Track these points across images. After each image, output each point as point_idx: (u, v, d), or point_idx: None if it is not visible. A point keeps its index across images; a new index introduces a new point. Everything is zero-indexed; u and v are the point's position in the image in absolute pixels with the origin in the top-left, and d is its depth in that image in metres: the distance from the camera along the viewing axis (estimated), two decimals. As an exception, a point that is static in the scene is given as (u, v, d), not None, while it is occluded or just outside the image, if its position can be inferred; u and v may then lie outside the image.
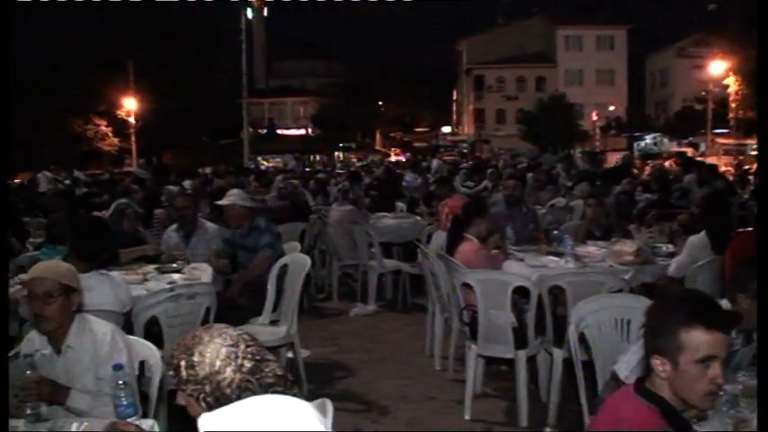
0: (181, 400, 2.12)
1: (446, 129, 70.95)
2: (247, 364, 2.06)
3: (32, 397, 2.93)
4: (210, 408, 2.00)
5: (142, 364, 3.52)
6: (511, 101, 62.02)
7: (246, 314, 5.76)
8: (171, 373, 2.11)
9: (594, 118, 54.45)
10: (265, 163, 43.69)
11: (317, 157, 48.82)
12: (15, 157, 41.08)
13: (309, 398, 5.50)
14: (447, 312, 6.11)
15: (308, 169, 35.15)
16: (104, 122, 42.92)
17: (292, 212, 10.03)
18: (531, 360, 5.30)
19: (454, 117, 74.78)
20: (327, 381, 6.19)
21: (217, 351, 2.07)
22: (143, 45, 41.56)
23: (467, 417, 5.26)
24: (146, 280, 5.46)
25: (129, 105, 40.41)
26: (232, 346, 2.09)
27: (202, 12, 46.65)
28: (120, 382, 2.82)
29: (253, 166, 33.98)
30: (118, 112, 41.23)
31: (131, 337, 3.55)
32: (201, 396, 2.04)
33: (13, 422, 2.89)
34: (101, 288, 4.37)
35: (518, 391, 5.15)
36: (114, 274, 4.74)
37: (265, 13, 66.55)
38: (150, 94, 40.31)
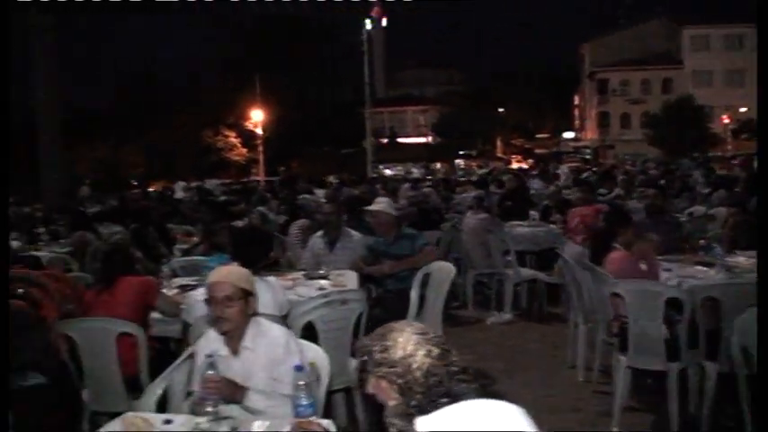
0: (370, 387, 2.25)
1: (568, 134, 69.58)
2: (436, 351, 2.17)
3: (213, 395, 3.08)
4: (402, 390, 2.14)
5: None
6: (636, 104, 60.32)
7: (388, 320, 5.85)
8: (364, 358, 2.25)
9: (726, 121, 52.13)
10: (387, 171, 44.12)
11: (438, 165, 48.86)
12: (156, 167, 43.72)
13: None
14: (590, 323, 6.04)
15: (428, 177, 35.28)
16: (233, 134, 44.76)
17: (420, 220, 10.10)
18: (680, 373, 5.16)
19: (576, 122, 73.30)
20: (470, 389, 6.20)
21: (408, 337, 2.20)
22: (270, 59, 43.01)
23: (615, 429, 5.17)
24: (295, 285, 5.67)
25: (257, 117, 41.87)
26: (422, 334, 2.22)
27: (325, 26, 47.88)
28: (301, 383, 2.93)
29: (375, 175, 34.49)
30: (246, 124, 42.91)
31: (301, 340, 3.70)
32: (393, 378, 2.16)
33: (195, 419, 3.04)
34: (261, 293, 4.58)
35: (669, 405, 5.02)
36: (271, 279, 4.95)
37: (384, 24, 67.32)
38: (276, 107, 41.66)
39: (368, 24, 44.34)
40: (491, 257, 8.84)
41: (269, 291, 4.67)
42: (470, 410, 1.84)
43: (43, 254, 9.94)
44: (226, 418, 3.10)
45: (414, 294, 5.90)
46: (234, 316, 3.35)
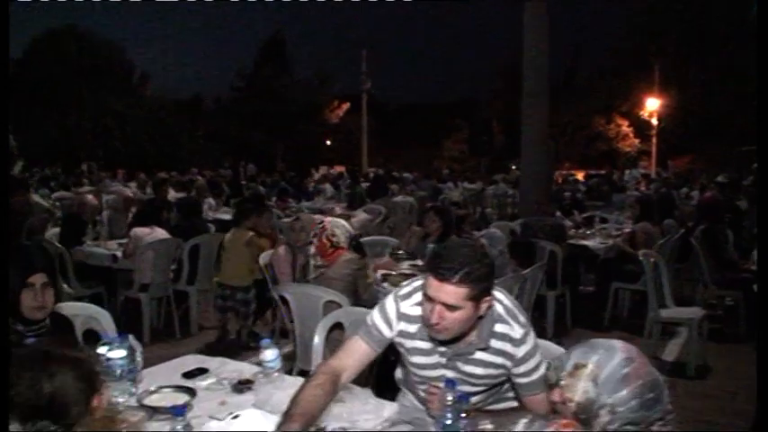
0: None
1: None
2: None
3: None
4: None
5: None
6: None
7: None
8: None
9: None
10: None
11: None
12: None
13: None
14: None
15: None
16: (626, 122, 42.63)
17: None
18: None
19: None
20: None
21: None
22: (674, 46, 40.04)
23: None
24: None
25: (652, 106, 39.18)
26: None
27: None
28: None
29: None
30: (640, 113, 40.47)
31: None
32: None
33: None
34: None
35: None
36: None
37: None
38: (676, 96, 38.67)
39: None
40: None
41: None
42: None
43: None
44: None
45: None
46: None
